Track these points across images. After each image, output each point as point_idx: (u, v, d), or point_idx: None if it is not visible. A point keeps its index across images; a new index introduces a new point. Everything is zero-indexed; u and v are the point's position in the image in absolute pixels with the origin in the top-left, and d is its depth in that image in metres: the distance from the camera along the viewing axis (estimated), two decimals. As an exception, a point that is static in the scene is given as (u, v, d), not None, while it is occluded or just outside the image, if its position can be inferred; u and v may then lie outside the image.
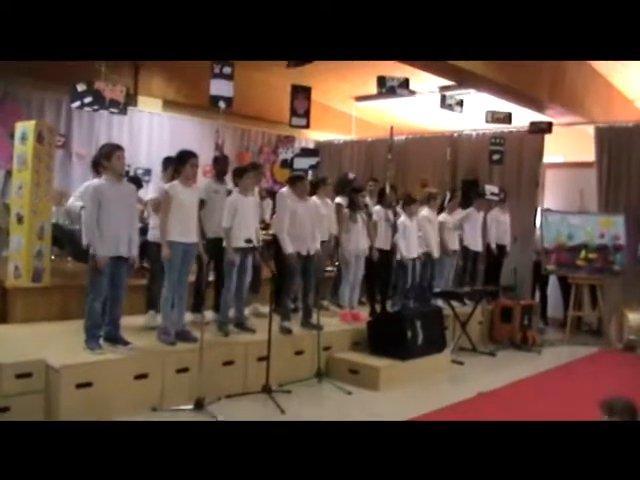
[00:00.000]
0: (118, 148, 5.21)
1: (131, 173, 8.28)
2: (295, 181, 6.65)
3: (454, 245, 8.76)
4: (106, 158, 5.13)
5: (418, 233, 7.99)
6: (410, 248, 7.79)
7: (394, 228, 7.50)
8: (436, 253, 8.36)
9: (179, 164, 5.62)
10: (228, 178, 6.79)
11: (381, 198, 7.81)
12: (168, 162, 6.27)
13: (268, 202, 7.37)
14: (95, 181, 5.33)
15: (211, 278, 6.47)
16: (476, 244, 9.13)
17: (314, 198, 6.88)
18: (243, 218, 6.01)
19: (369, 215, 7.46)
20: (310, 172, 7.69)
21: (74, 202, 7.09)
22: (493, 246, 9.34)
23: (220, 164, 6.80)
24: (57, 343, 5.34)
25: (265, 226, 7.17)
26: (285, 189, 7.17)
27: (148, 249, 6.21)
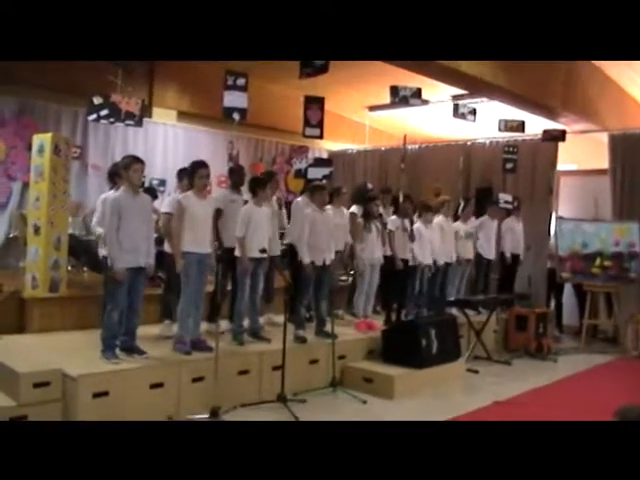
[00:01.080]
0: (137, 161, 5.27)
1: (146, 184, 8.35)
2: (315, 191, 6.68)
3: (468, 254, 8.75)
4: (125, 169, 5.21)
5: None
6: (424, 255, 7.78)
7: (411, 237, 7.50)
8: (451, 259, 8.36)
9: (189, 176, 5.68)
10: (244, 188, 6.83)
11: (396, 208, 7.83)
12: (183, 173, 6.33)
13: (282, 211, 7.41)
14: (112, 193, 5.39)
15: (229, 288, 6.51)
16: (489, 252, 9.10)
17: (329, 207, 6.91)
18: (257, 228, 6.05)
19: (383, 224, 7.48)
20: (324, 182, 7.71)
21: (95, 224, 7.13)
22: (508, 255, 9.32)
23: (236, 175, 6.85)
24: (74, 353, 5.39)
25: (280, 235, 7.20)
26: (301, 199, 7.21)
27: (164, 259, 6.26)
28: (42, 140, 6.46)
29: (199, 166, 5.64)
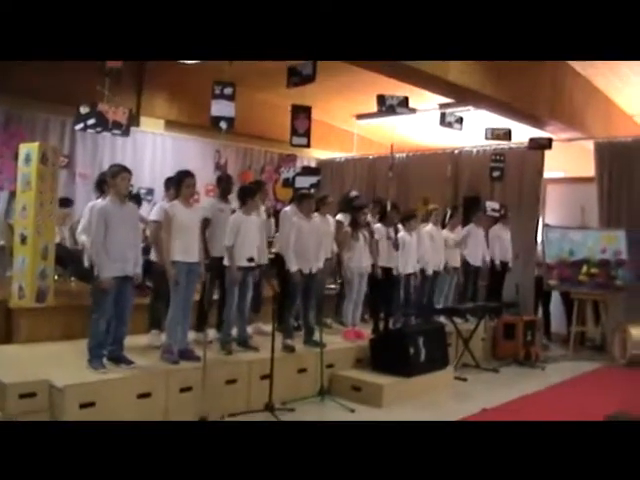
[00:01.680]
0: (125, 170, 5.27)
1: (134, 192, 8.33)
2: (302, 199, 6.69)
3: (455, 262, 8.77)
4: (112, 177, 5.20)
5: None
6: (407, 263, 7.79)
7: (396, 246, 7.51)
8: (439, 267, 8.39)
9: (175, 185, 5.69)
10: (233, 197, 6.83)
11: (382, 216, 7.84)
12: (170, 182, 6.32)
13: (271, 220, 7.41)
14: (99, 202, 5.38)
15: (215, 297, 6.50)
16: (476, 259, 9.13)
17: (316, 215, 6.91)
18: (246, 237, 6.04)
19: (371, 233, 7.49)
20: (311, 190, 7.72)
21: (80, 232, 7.11)
22: (497, 262, 9.34)
23: (223, 183, 6.85)
24: (61, 363, 5.36)
25: (268, 244, 7.19)
26: (289, 207, 7.22)
27: (152, 268, 6.24)
28: (29, 149, 6.42)
29: (185, 175, 5.64)
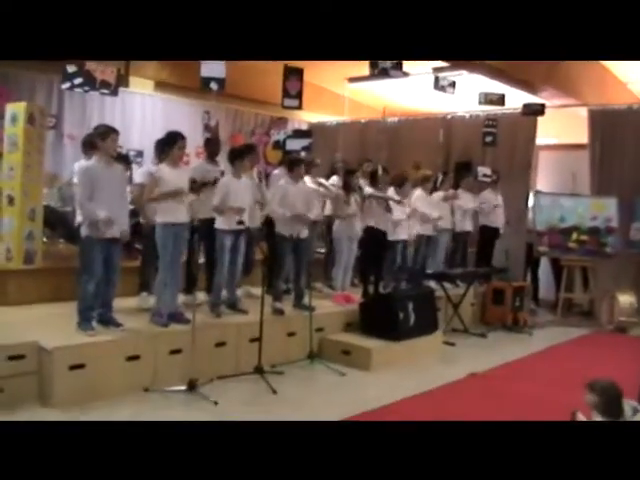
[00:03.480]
0: (113, 131, 5.18)
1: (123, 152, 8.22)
2: (293, 165, 6.61)
3: (446, 224, 8.74)
4: (100, 138, 5.12)
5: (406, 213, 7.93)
6: (399, 229, 7.77)
7: (388, 209, 7.48)
8: (431, 231, 8.39)
9: (167, 146, 5.61)
10: (222, 159, 6.76)
11: (373, 180, 7.79)
12: (160, 144, 6.23)
13: (262, 184, 7.35)
14: (84, 162, 5.31)
15: (201, 260, 6.48)
16: (465, 224, 9.12)
17: (306, 179, 6.86)
18: (236, 200, 6.00)
19: (363, 198, 7.45)
20: (302, 154, 7.66)
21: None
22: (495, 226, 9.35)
23: (211, 145, 6.78)
24: (50, 325, 5.34)
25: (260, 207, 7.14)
26: (278, 170, 7.17)
27: (141, 231, 6.20)
28: (15, 109, 6.33)
29: (179, 137, 5.58)
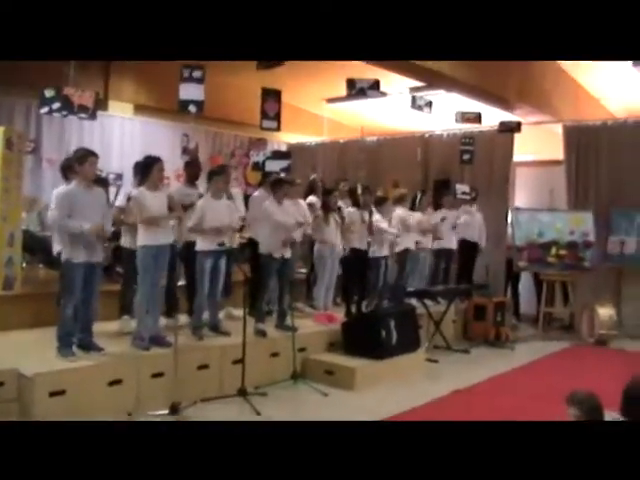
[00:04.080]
0: (92, 154, 5.17)
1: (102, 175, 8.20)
2: (275, 186, 6.64)
3: (427, 244, 8.79)
4: (79, 162, 5.10)
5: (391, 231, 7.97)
6: (381, 247, 7.81)
7: (370, 230, 7.52)
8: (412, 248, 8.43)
9: (145, 169, 5.61)
10: (202, 181, 6.77)
11: (353, 199, 7.83)
12: (139, 167, 6.23)
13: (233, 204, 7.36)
14: (63, 187, 5.30)
15: (181, 282, 6.46)
16: (450, 242, 9.18)
17: (287, 200, 6.88)
18: (214, 221, 6.00)
19: (342, 217, 7.48)
20: (282, 174, 7.68)
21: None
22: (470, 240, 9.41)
23: (191, 169, 6.80)
24: (30, 351, 5.30)
25: (240, 228, 7.15)
26: (259, 192, 7.19)
27: (121, 254, 6.18)
28: (-7, 134, 6.31)
29: (157, 160, 5.59)
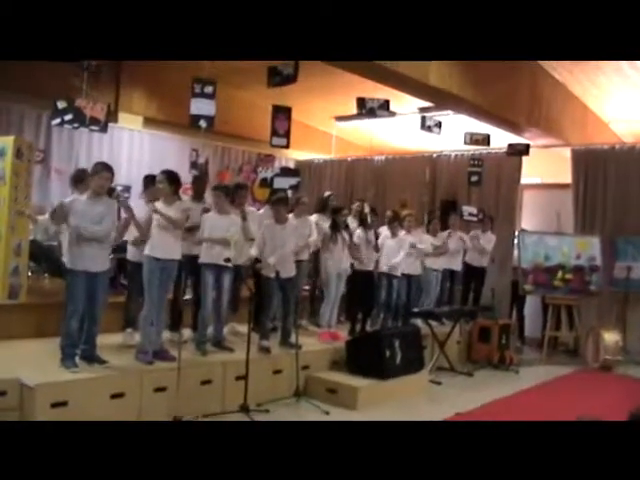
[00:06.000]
0: (106, 169, 5.17)
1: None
2: (275, 205, 6.63)
3: (435, 265, 8.78)
4: (92, 174, 5.17)
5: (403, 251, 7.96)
6: (389, 265, 7.79)
7: (376, 249, 7.52)
8: (416, 271, 8.40)
9: (170, 184, 5.60)
10: (208, 195, 6.78)
11: (362, 220, 7.83)
12: (148, 180, 6.24)
13: (247, 223, 7.35)
14: (73, 196, 5.33)
15: (188, 296, 6.45)
16: (455, 263, 9.16)
17: (291, 218, 6.86)
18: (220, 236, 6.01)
19: (350, 235, 7.47)
20: (290, 192, 7.70)
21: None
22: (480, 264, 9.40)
23: (199, 184, 6.80)
24: (32, 361, 5.28)
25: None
26: (264, 209, 7.20)
27: (127, 267, 6.18)
28: (3, 143, 6.33)
29: (178, 176, 5.64)
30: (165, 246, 5.45)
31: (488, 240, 9.58)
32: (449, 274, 9.19)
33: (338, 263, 7.35)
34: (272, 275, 6.34)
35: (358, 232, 7.66)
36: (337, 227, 7.36)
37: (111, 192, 5.22)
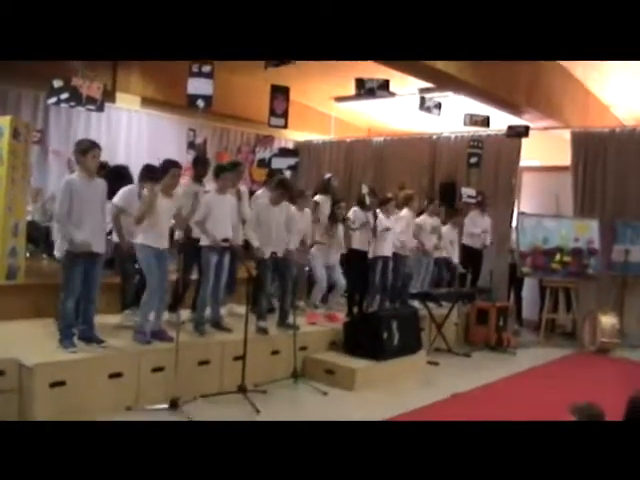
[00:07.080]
0: (95, 146, 5.13)
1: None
2: (277, 188, 6.53)
3: (430, 247, 8.77)
4: (82, 154, 5.07)
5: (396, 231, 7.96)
6: (383, 247, 7.77)
7: (374, 232, 7.49)
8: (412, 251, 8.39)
9: (162, 173, 5.56)
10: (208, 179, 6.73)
11: (358, 200, 7.80)
12: (147, 171, 6.08)
13: (242, 202, 7.31)
14: (67, 176, 5.29)
15: (194, 276, 6.44)
16: (452, 253, 9.18)
17: (293, 209, 6.81)
18: (219, 217, 5.98)
19: (347, 226, 7.44)
20: (289, 172, 7.66)
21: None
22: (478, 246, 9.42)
23: (199, 166, 6.72)
24: (31, 342, 5.28)
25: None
26: (262, 191, 7.16)
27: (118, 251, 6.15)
28: (0, 124, 6.30)
29: (173, 165, 5.56)
30: (156, 235, 5.43)
31: (486, 222, 9.57)
32: (445, 262, 9.16)
33: (326, 253, 7.33)
34: (266, 256, 6.33)
35: (356, 210, 7.61)
36: (335, 219, 7.34)
37: (102, 168, 5.15)
